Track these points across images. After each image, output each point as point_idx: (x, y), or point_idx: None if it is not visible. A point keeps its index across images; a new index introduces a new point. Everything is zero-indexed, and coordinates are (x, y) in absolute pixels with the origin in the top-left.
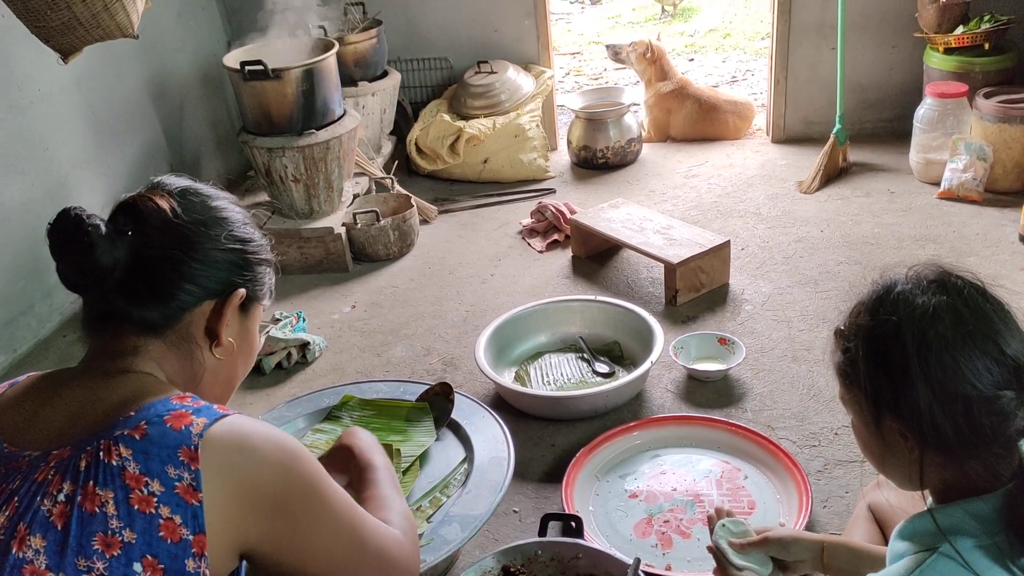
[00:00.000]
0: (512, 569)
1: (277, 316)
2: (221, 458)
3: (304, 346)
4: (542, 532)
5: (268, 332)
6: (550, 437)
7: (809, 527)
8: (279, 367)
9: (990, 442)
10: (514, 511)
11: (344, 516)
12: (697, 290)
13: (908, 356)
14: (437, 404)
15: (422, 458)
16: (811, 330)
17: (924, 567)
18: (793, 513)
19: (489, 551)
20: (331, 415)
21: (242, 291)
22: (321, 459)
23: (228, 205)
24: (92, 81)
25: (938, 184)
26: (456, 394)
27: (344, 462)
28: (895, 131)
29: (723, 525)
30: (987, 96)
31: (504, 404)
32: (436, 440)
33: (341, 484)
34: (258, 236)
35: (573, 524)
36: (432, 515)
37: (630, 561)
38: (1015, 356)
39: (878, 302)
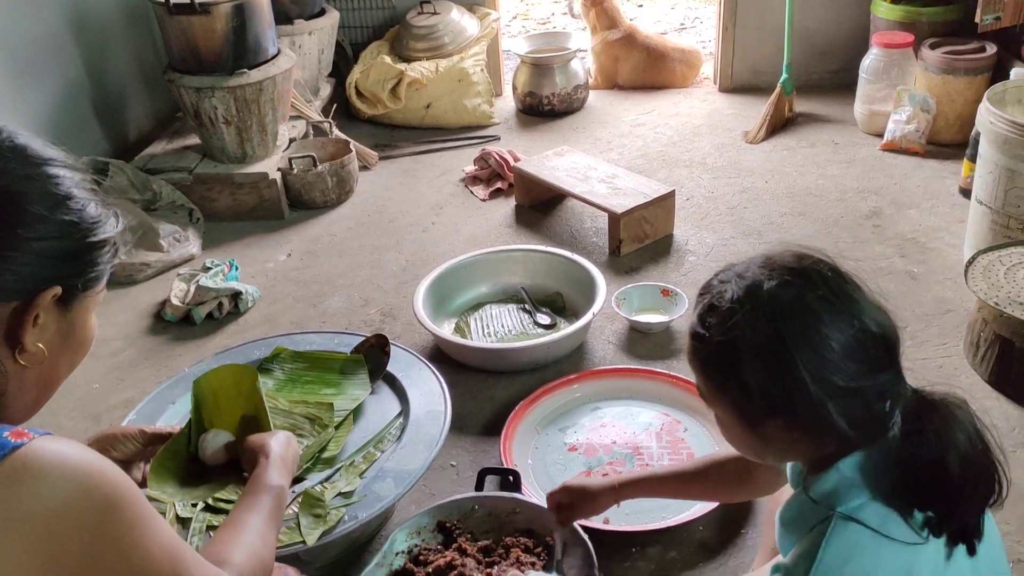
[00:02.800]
0: (448, 525)
1: (208, 264)
2: (5, 507)
3: (236, 296)
4: (479, 487)
5: (198, 281)
6: (489, 390)
7: None
8: (210, 317)
9: (881, 423)
10: (451, 465)
11: (168, 569)
12: (641, 240)
13: (793, 358)
14: (372, 356)
15: (356, 412)
16: None
17: (827, 541)
18: None
19: (425, 506)
20: (262, 368)
21: (54, 291)
22: (237, 443)
23: (54, 170)
24: (4, 14)
25: (882, 136)
26: (392, 346)
27: (250, 461)
28: (841, 82)
29: None
30: (932, 47)
31: (443, 356)
32: (371, 393)
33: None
34: (91, 210)
35: (511, 478)
36: (365, 471)
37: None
38: (883, 333)
39: (748, 301)
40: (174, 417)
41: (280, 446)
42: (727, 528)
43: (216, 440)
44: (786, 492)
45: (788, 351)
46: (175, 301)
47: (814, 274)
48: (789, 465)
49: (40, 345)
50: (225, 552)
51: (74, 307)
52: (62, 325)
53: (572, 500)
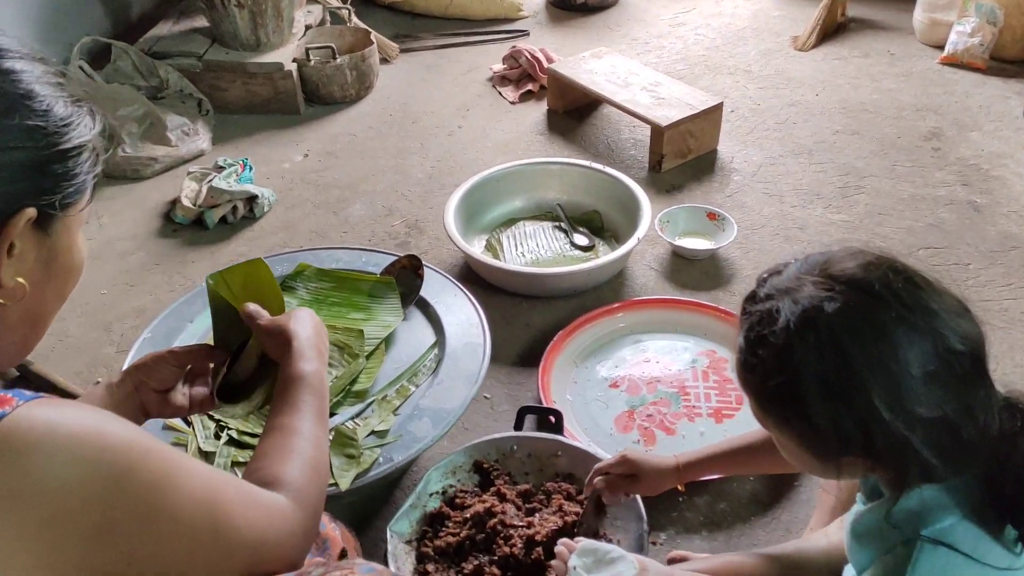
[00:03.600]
0: (485, 465)
1: (220, 163)
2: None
3: (251, 199)
4: (518, 426)
5: (211, 182)
6: (525, 315)
7: None
8: (223, 222)
9: (973, 450)
10: (485, 397)
11: (203, 522)
12: (684, 156)
13: (868, 392)
14: (404, 279)
15: (388, 340)
16: (804, 207)
17: (914, 569)
18: None
19: (459, 442)
20: (284, 285)
21: (28, 213)
22: (257, 331)
23: (7, 63)
24: None
25: (941, 48)
26: (425, 267)
27: (278, 348)
28: None
29: (574, 568)
30: None
31: (474, 276)
32: (403, 320)
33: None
34: (59, 110)
35: (552, 419)
36: (399, 407)
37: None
38: (969, 346)
39: (807, 331)
40: (192, 337)
41: (304, 326)
42: (780, 481)
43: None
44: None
45: (861, 384)
46: (186, 202)
47: (883, 288)
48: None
49: (20, 279)
50: (275, 468)
51: (54, 230)
52: (42, 252)
53: (631, 472)
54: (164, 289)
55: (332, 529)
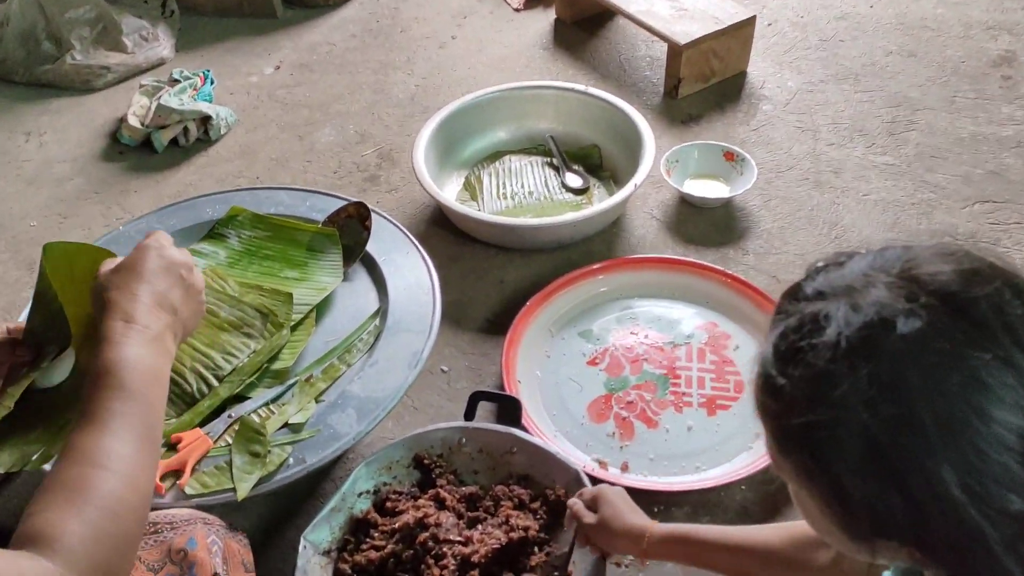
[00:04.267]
0: (427, 461)
1: (176, 76)
2: None
3: (206, 120)
4: (469, 414)
5: (160, 99)
6: (499, 269)
7: None
8: (174, 144)
9: None
10: (442, 370)
11: None
12: (706, 79)
13: (938, 466)
14: (350, 230)
15: (321, 306)
16: (842, 145)
17: None
18: None
19: (404, 424)
20: (214, 232)
21: None
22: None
23: None
24: None
25: None
26: (376, 217)
27: (97, 319)
28: None
29: None
30: None
31: (447, 220)
32: (343, 281)
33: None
34: None
35: (510, 408)
36: (324, 391)
37: (576, 465)
38: None
39: (865, 357)
40: None
41: (131, 284)
42: (777, 493)
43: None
44: None
45: (927, 447)
46: (133, 121)
47: (991, 312)
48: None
49: None
50: (50, 516)
51: None
52: None
53: (591, 519)
54: (99, 223)
55: (206, 547)
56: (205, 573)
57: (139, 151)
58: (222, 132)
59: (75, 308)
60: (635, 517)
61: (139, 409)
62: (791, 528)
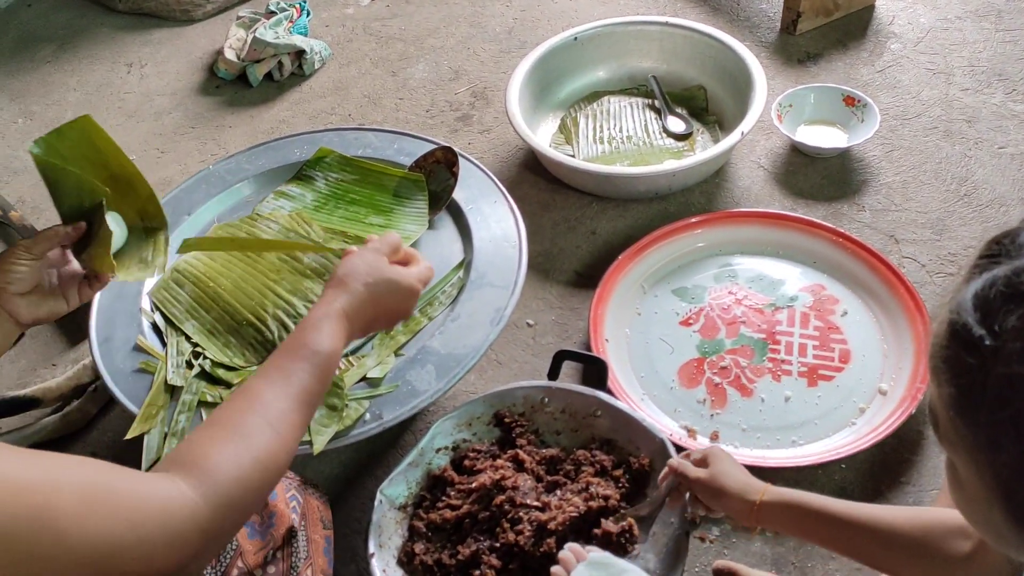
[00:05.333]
0: (508, 419)
1: (272, 7)
2: None
3: (300, 54)
4: (553, 373)
5: (255, 32)
6: (592, 220)
7: (923, 405)
8: (268, 78)
9: None
10: (528, 324)
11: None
12: (829, 13)
13: None
14: (437, 176)
15: None
16: (979, 91)
17: None
18: (904, 378)
19: (487, 379)
20: (302, 174)
21: None
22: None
23: None
24: None
25: None
26: (464, 163)
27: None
28: None
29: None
30: None
31: (540, 166)
32: (428, 229)
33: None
34: None
35: (596, 369)
36: (404, 345)
37: (663, 433)
38: None
39: None
40: (189, 231)
41: (367, 289)
42: (880, 474)
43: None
44: None
45: None
46: (229, 55)
47: None
48: None
49: None
50: (204, 448)
51: None
52: None
53: (701, 473)
54: (195, 158)
55: (286, 500)
56: (283, 524)
57: (235, 85)
58: (316, 67)
59: (86, 174)
60: (749, 476)
61: (318, 388)
62: (921, 513)
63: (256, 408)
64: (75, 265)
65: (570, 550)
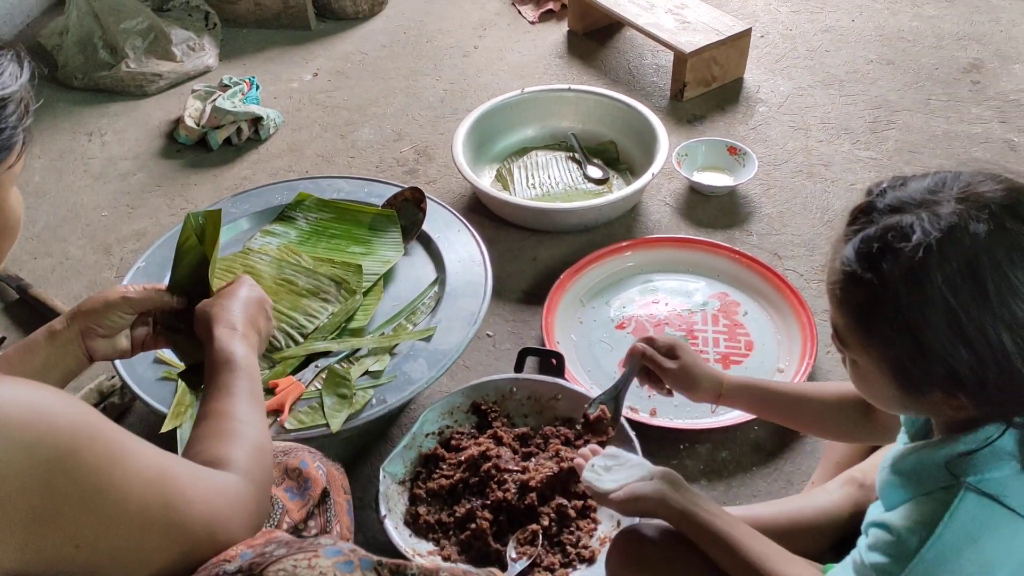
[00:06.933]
0: (483, 406)
1: (226, 82)
2: None
3: (256, 120)
4: (519, 367)
5: (215, 101)
6: (532, 249)
7: (812, 376)
8: (227, 143)
9: None
10: (487, 335)
11: (154, 501)
12: (708, 84)
13: (1005, 327)
14: (406, 212)
15: (387, 276)
16: (831, 141)
17: (952, 515)
18: (795, 358)
19: (458, 381)
20: (284, 215)
21: None
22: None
23: None
24: None
25: None
26: (428, 201)
27: (203, 333)
28: None
29: (592, 466)
30: None
31: (482, 208)
32: (403, 255)
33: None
34: None
35: (554, 361)
36: (395, 347)
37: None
38: None
39: (952, 250)
40: None
41: (232, 305)
42: (785, 430)
43: None
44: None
45: (994, 315)
46: (189, 122)
47: None
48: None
49: None
50: (217, 450)
51: None
52: None
53: (675, 356)
54: (165, 212)
55: (315, 468)
56: (317, 487)
57: (195, 149)
58: (271, 132)
59: (209, 267)
60: (708, 365)
61: (253, 386)
62: (838, 387)
63: (227, 416)
64: (146, 325)
65: (589, 450)
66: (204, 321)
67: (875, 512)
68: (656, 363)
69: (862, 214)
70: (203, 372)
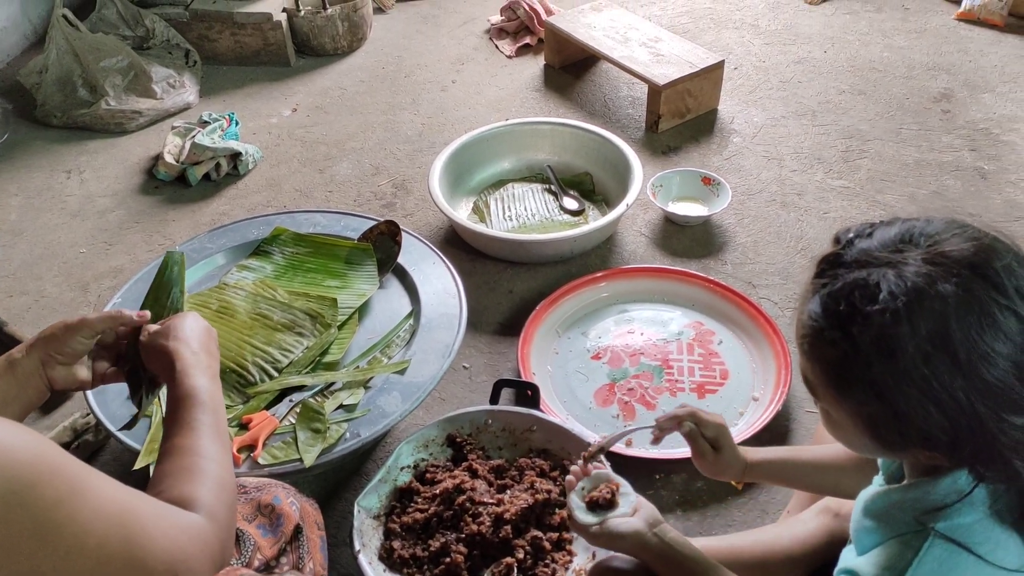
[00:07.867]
0: (458, 439)
1: (205, 118)
2: None
3: (235, 156)
4: (494, 399)
5: (194, 137)
6: (508, 282)
7: (786, 404)
8: (206, 179)
9: None
10: (464, 367)
11: (115, 538)
12: (682, 116)
13: (974, 390)
14: (382, 245)
15: (362, 309)
16: (804, 171)
17: (920, 562)
18: (769, 387)
19: (434, 413)
20: (260, 250)
21: None
22: (140, 346)
23: None
24: None
25: (958, 2)
26: (404, 234)
27: (162, 368)
28: None
29: (581, 488)
30: None
31: (459, 240)
32: (379, 288)
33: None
34: None
35: (529, 392)
36: (369, 380)
37: (589, 439)
38: None
39: (919, 313)
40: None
41: (188, 338)
42: None
43: None
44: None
45: (966, 383)
46: (169, 159)
47: (1005, 277)
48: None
49: None
50: (181, 488)
51: None
52: None
53: (712, 455)
54: (143, 249)
55: (288, 504)
56: (290, 523)
57: (173, 185)
58: (249, 167)
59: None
60: (738, 447)
61: (216, 420)
62: (836, 446)
63: (191, 452)
64: (107, 359)
65: (579, 467)
66: (163, 354)
67: (847, 558)
68: (697, 450)
69: (829, 266)
70: (151, 395)
